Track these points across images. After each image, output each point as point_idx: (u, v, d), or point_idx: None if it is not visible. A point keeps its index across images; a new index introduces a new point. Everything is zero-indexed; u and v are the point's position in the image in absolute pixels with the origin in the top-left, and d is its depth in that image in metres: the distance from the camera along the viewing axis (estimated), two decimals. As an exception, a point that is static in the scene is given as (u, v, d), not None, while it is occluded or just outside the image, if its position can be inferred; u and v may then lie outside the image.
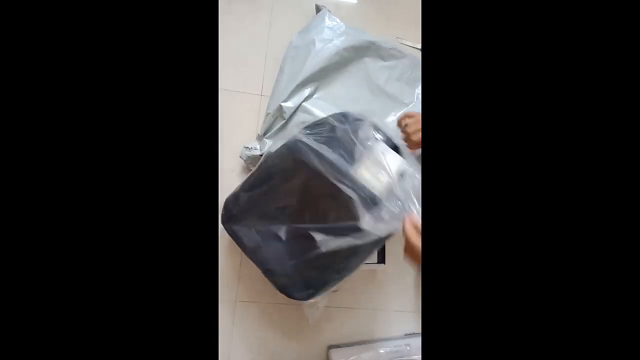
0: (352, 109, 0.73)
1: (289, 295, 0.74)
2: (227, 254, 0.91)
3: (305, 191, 0.70)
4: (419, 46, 1.11)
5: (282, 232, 0.73)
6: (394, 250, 0.93)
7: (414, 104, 1.00)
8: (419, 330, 0.91)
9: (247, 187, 0.75)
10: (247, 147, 0.84)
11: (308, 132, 0.70)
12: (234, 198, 0.77)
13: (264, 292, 0.91)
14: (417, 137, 0.72)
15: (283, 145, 0.71)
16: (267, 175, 0.73)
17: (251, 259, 0.76)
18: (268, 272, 0.75)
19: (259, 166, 0.75)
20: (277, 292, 0.91)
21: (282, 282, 0.74)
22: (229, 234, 0.77)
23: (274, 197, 0.73)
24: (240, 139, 0.91)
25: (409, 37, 1.05)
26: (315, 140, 0.68)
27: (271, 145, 0.83)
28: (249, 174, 0.76)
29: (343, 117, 0.69)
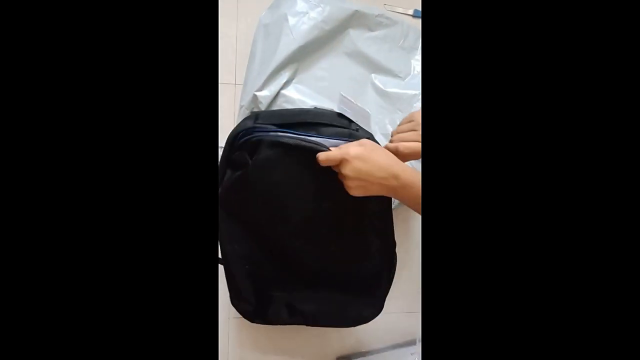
0: (339, 92, 0.62)
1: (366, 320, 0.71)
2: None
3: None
4: (411, 12, 0.99)
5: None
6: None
7: (411, 76, 0.89)
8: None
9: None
10: (221, 147, 0.74)
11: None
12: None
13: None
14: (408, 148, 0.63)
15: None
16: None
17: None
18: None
19: None
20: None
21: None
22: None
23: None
24: (220, 136, 0.80)
25: (398, 3, 0.93)
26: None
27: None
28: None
29: None
